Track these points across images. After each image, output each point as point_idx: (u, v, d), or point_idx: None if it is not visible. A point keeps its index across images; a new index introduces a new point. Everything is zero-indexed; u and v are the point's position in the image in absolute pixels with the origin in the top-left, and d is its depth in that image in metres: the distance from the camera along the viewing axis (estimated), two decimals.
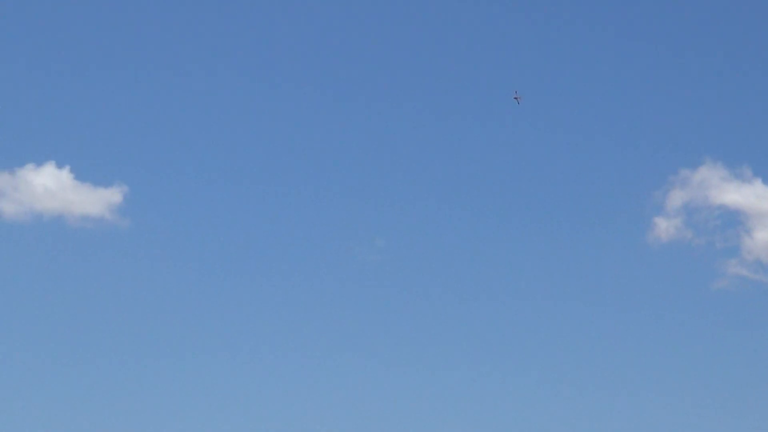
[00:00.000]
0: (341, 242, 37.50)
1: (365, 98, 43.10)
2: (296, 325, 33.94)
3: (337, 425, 30.79)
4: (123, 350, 30.35)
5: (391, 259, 36.81)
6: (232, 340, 32.83)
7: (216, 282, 32.50)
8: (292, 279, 34.86)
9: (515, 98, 40.69)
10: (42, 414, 28.58)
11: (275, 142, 39.74)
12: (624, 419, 32.10)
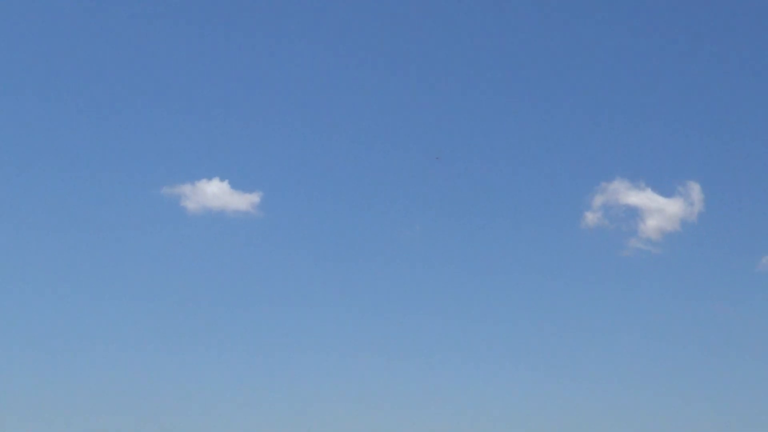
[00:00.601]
0: None
1: None
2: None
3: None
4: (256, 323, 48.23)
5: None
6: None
7: (325, 265, 50.84)
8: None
9: (437, 158, 54.68)
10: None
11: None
12: (548, 382, 46.00)
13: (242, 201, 50.69)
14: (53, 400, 40.83)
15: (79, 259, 47.52)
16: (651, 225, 52.13)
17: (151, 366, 42.76)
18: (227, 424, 40.98)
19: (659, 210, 52.52)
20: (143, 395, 40.87)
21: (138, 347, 43.33)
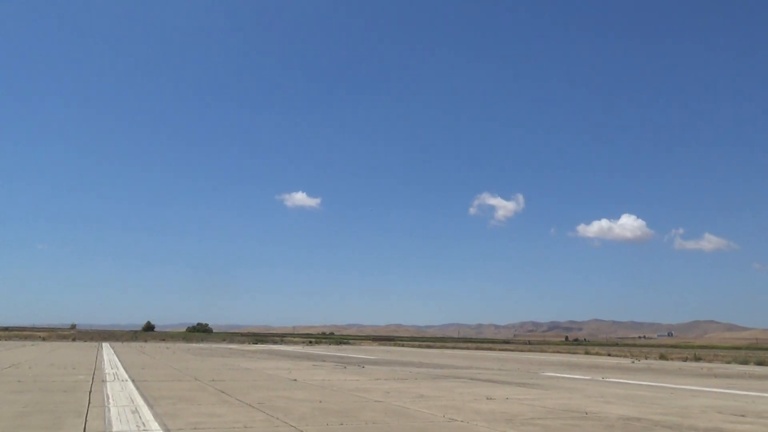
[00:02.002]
0: None
1: None
2: None
3: None
4: None
5: None
6: None
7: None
8: None
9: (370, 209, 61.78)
10: None
11: None
12: None
13: (312, 202, 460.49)
14: None
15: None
16: (500, 214, 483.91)
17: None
18: None
19: (504, 207, 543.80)
20: None
21: None
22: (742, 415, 10.45)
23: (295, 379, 16.76)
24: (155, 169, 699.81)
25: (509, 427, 8.57)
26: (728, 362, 38.20)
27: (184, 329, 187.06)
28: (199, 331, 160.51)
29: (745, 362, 37.64)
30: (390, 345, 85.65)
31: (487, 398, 12.51)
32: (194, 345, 59.47)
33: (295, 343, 79.84)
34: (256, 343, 71.96)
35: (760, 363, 36.26)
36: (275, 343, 78.69)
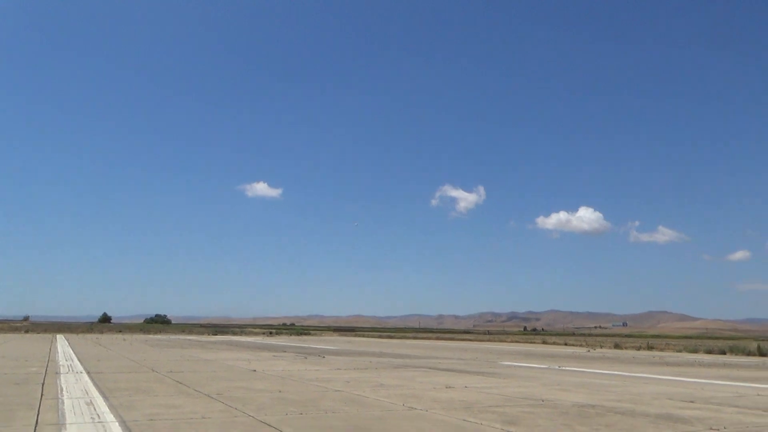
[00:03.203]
0: None
1: None
2: None
3: None
4: None
5: None
6: None
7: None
8: None
9: (355, 223, 69.95)
10: None
11: None
12: None
13: (274, 192, 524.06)
14: None
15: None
16: (462, 205, 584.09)
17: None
18: None
19: (465, 198, 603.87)
20: None
21: None
22: (691, 401, 10.79)
23: (255, 370, 16.66)
24: (112, 158, 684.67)
25: (468, 414, 8.68)
26: (679, 351, 39.35)
27: (141, 321, 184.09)
28: (158, 323, 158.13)
29: (694, 351, 38.82)
30: (351, 335, 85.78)
31: (447, 387, 12.65)
32: (152, 336, 58.56)
33: (256, 334, 79.32)
34: (216, 335, 71.19)
35: (708, 352, 37.46)
36: (235, 334, 78.01)
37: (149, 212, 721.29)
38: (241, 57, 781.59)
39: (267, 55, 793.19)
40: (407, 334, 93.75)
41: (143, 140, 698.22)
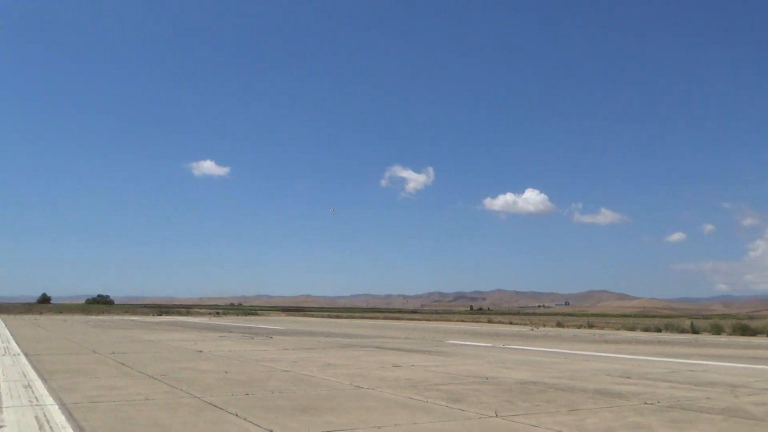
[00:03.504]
0: None
1: None
2: None
3: None
4: None
5: None
6: None
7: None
8: None
9: (332, 210, 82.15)
10: None
11: None
12: None
13: (221, 171, 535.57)
14: None
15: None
16: (411, 186, 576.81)
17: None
18: None
19: (415, 179, 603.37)
20: None
21: None
22: (628, 377, 11.22)
23: (201, 351, 16.49)
24: (51, 136, 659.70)
25: (414, 393, 8.81)
26: (618, 329, 40.76)
27: (83, 301, 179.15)
28: (100, 303, 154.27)
29: (632, 329, 40.27)
30: (299, 315, 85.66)
31: (394, 366, 12.80)
32: (94, 317, 57.14)
33: (202, 314, 78.36)
34: (161, 315, 70.04)
35: (645, 330, 38.93)
36: (181, 314, 76.89)
37: (90, 190, 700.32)
38: (187, 32, 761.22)
39: (213, 30, 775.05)
40: (355, 314, 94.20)
41: (84, 118, 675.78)
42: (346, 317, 72.93)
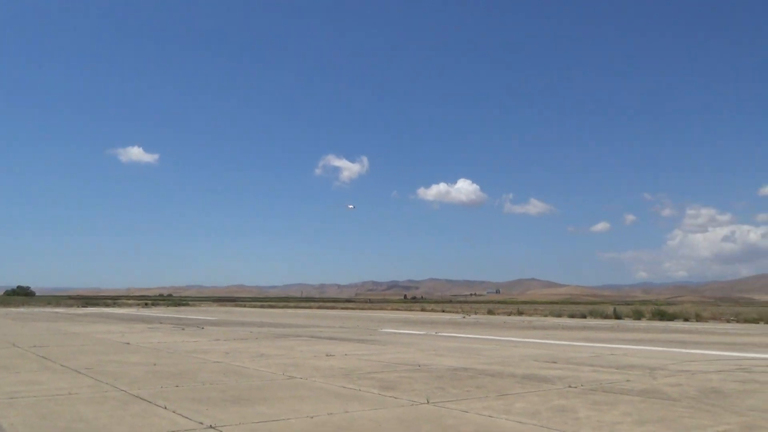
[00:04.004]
0: None
1: None
2: None
3: None
4: None
5: None
6: None
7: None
8: None
9: (351, 207, 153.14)
10: None
11: None
12: None
13: (150, 158, 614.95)
14: None
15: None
16: (345, 174, 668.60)
17: None
18: None
19: (349, 168, 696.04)
20: None
21: None
22: (554, 362, 11.61)
23: (128, 343, 16.04)
24: None
25: (347, 381, 8.85)
26: (545, 316, 42.08)
27: (1, 293, 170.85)
28: (20, 295, 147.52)
29: (559, 315, 41.66)
30: (231, 306, 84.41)
31: (327, 355, 12.81)
32: (14, 309, 54.61)
33: (130, 305, 76.10)
34: (86, 306, 67.58)
35: (571, 316, 40.34)
36: (107, 306, 74.44)
37: (8, 178, 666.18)
38: (109, 11, 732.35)
39: (139, 10, 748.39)
40: (289, 304, 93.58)
41: (2, 104, 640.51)
42: (279, 307, 72.38)
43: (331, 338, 18.28)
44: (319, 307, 70.64)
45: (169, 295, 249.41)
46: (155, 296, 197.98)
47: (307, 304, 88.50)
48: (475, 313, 46.60)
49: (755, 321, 33.34)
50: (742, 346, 16.26)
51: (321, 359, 11.97)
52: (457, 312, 50.17)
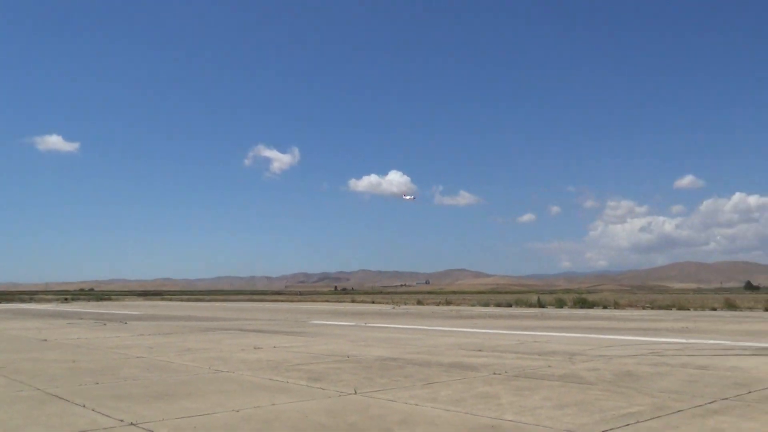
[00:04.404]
0: None
1: None
2: None
3: None
4: None
5: None
6: None
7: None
8: None
9: (410, 198, 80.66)
10: None
11: None
12: None
13: (70, 147, 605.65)
14: None
15: None
16: (276, 166, 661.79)
17: None
18: None
19: (280, 159, 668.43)
20: None
21: None
22: (480, 350, 11.90)
23: (46, 339, 15.38)
24: None
25: (275, 374, 8.80)
26: (473, 305, 43.01)
27: None
28: None
29: (486, 305, 42.67)
30: (157, 300, 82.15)
31: (255, 348, 12.68)
32: None
33: (48, 300, 72.87)
34: (0, 303, 64.26)
35: (498, 305, 41.42)
36: (23, 301, 71.05)
37: None
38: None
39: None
40: (218, 297, 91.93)
41: None
42: (207, 300, 71.00)
43: (259, 331, 18.10)
44: (248, 300, 69.73)
45: (91, 290, 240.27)
46: (76, 291, 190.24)
47: (236, 297, 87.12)
48: (405, 304, 47.13)
49: (668, 308, 35.18)
50: (655, 331, 17.13)
51: (249, 352, 11.84)
52: (386, 303, 50.59)
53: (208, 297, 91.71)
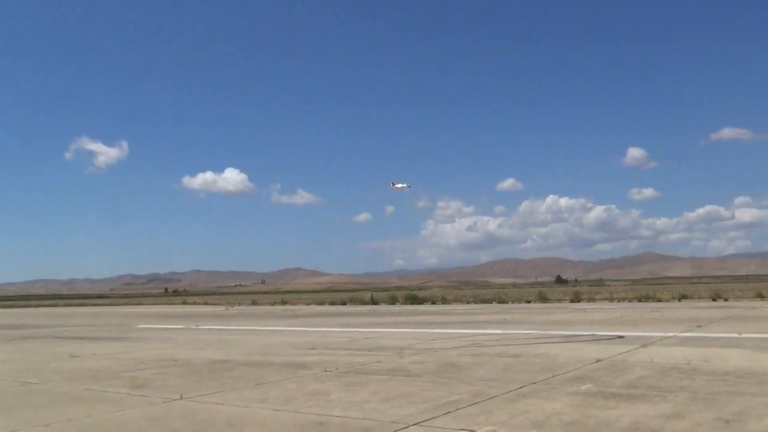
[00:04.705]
0: None
1: None
2: None
3: None
4: None
5: None
6: None
7: None
8: None
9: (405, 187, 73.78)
10: None
11: None
12: None
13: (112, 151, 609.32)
14: None
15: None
16: (101, 160, 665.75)
17: None
18: None
19: (105, 153, 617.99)
20: None
21: None
22: (313, 348, 11.99)
23: None
24: None
25: (93, 383, 8.22)
26: (309, 304, 43.20)
27: None
28: None
29: (321, 303, 43.05)
30: None
31: (71, 356, 11.75)
32: None
33: None
34: None
35: (333, 303, 41.95)
36: None
37: None
38: None
39: None
40: (30, 302, 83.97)
41: None
42: (18, 306, 64.57)
43: (77, 338, 16.79)
44: (66, 305, 64.44)
45: None
46: None
47: (53, 302, 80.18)
48: (239, 305, 46.18)
49: (489, 301, 37.81)
50: (477, 323, 18.32)
51: (64, 361, 10.94)
52: (220, 304, 49.23)
53: (18, 303, 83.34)
